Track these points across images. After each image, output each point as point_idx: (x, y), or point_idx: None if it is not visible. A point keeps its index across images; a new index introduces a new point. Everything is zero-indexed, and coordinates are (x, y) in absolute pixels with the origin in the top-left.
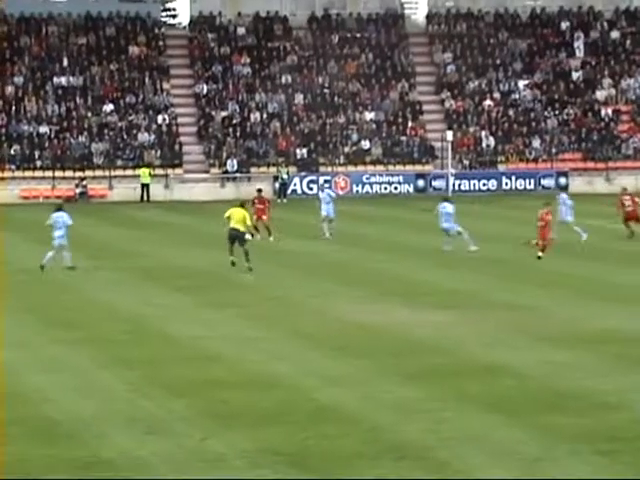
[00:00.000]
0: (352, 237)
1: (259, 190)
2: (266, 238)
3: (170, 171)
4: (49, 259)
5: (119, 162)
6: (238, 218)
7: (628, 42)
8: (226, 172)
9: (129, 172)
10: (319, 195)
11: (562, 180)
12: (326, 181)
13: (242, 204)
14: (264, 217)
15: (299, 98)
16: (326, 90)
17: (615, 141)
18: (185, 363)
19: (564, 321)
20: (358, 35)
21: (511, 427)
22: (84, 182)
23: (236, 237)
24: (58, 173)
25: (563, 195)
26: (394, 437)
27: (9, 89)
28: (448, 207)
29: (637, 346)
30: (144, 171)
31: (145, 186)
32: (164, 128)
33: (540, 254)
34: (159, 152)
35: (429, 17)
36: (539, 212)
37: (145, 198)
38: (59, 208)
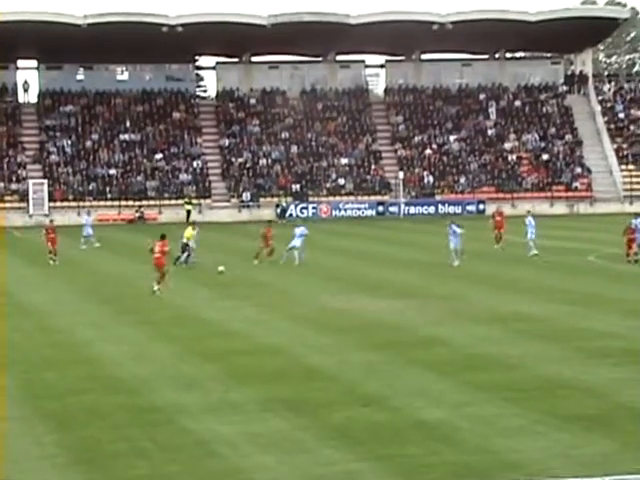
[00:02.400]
0: (333, 248)
1: (269, 221)
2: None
3: (202, 201)
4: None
5: (166, 195)
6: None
7: (527, 109)
8: (242, 201)
9: (173, 202)
10: (295, 231)
11: (481, 206)
12: (313, 207)
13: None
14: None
15: (294, 148)
16: (313, 143)
17: (518, 178)
18: (213, 338)
19: (480, 306)
20: (335, 103)
21: (444, 382)
22: (141, 209)
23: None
24: (123, 203)
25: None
26: (362, 390)
27: (88, 143)
28: (457, 229)
29: (535, 323)
30: (186, 201)
31: (188, 212)
32: (198, 170)
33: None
34: (194, 187)
35: (386, 90)
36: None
37: (188, 220)
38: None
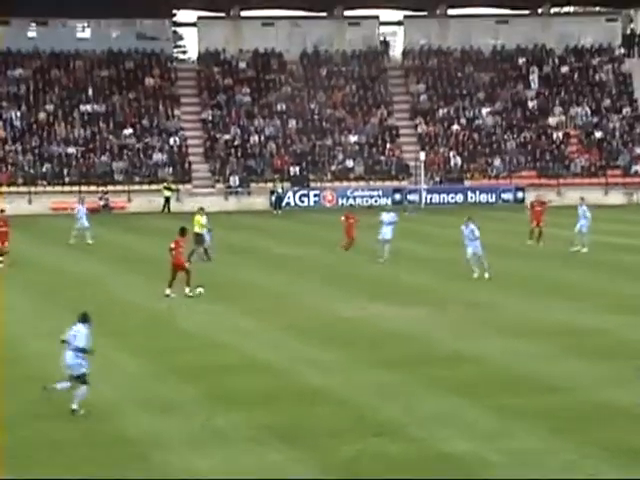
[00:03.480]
0: (338, 243)
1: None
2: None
3: (181, 186)
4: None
5: (136, 178)
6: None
7: (576, 76)
8: (229, 187)
9: (145, 187)
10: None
11: (519, 194)
12: (315, 195)
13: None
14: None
15: (292, 123)
16: (316, 116)
17: (565, 161)
18: (194, 351)
19: (517, 315)
20: (343, 69)
21: (473, 407)
22: (106, 195)
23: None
24: (84, 188)
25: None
26: (374, 416)
27: (41, 115)
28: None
29: (584, 336)
30: (165, 186)
31: (167, 199)
32: (175, 149)
33: None
34: (171, 170)
35: (405, 53)
36: None
37: (166, 210)
38: None
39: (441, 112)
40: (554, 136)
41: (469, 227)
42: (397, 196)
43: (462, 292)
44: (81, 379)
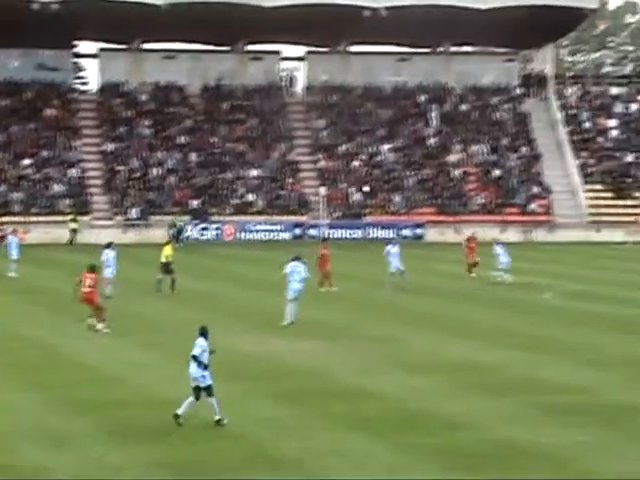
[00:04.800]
0: (238, 277)
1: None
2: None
3: (80, 218)
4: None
5: (35, 210)
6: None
7: (475, 114)
8: (128, 219)
9: (42, 218)
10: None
11: (419, 231)
12: (216, 228)
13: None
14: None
15: (193, 156)
16: (217, 150)
17: (463, 198)
18: (89, 384)
19: (418, 351)
20: (245, 103)
21: (372, 443)
22: (3, 227)
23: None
24: None
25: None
26: (271, 451)
27: None
28: (393, 249)
29: (484, 373)
30: (72, 218)
31: (74, 230)
32: (75, 180)
33: None
34: (70, 201)
35: (307, 88)
36: None
37: (73, 242)
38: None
39: (342, 148)
40: (453, 173)
41: (396, 246)
42: (297, 231)
43: (364, 327)
44: (209, 391)
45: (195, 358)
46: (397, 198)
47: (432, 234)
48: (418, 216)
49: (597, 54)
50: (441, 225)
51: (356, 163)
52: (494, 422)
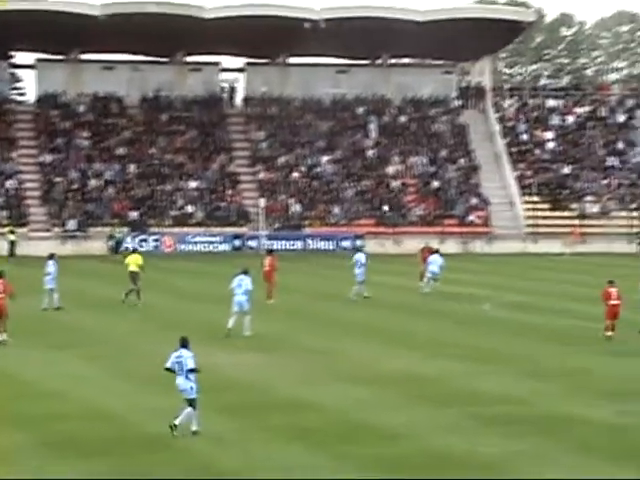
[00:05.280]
0: (177, 290)
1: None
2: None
3: (17, 230)
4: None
5: None
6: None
7: (414, 126)
8: (66, 231)
9: None
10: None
11: (358, 242)
12: (155, 240)
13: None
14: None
15: (132, 167)
16: (156, 161)
17: (402, 209)
18: (26, 399)
19: (358, 362)
20: (184, 114)
21: (313, 455)
22: None
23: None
24: None
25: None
26: (213, 465)
27: None
28: (362, 257)
29: (424, 384)
30: (10, 230)
31: (12, 242)
32: (12, 192)
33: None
34: (7, 213)
35: (246, 100)
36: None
37: (12, 254)
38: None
39: (281, 159)
40: (392, 185)
41: (359, 254)
42: (237, 242)
43: (304, 339)
44: (193, 402)
45: (193, 371)
46: (336, 209)
47: (371, 245)
48: (357, 227)
49: (534, 66)
50: (380, 236)
51: (295, 174)
52: (434, 433)
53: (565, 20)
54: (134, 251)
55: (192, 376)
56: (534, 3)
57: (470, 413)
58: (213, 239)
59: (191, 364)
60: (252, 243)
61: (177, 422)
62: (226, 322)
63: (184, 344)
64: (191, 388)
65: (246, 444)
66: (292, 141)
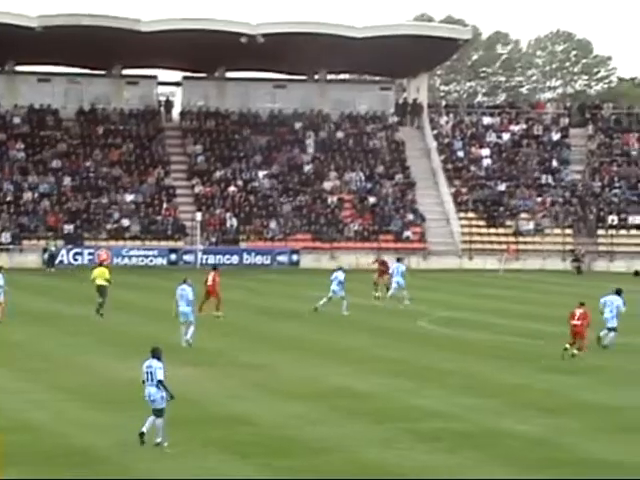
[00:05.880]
0: (112, 303)
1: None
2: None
3: None
4: None
5: None
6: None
7: (351, 142)
8: (0, 244)
9: None
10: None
11: (294, 257)
12: (90, 253)
13: None
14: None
15: (67, 180)
16: (91, 174)
17: (339, 225)
18: None
19: (296, 377)
20: (120, 127)
21: (245, 469)
22: None
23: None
24: None
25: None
26: (144, 477)
27: None
28: (340, 275)
29: (357, 399)
30: None
31: None
32: None
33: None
34: None
35: (183, 113)
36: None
37: None
38: None
39: (218, 173)
40: (329, 200)
41: (338, 271)
42: (173, 256)
43: (239, 354)
44: (160, 412)
45: (161, 382)
46: (273, 224)
47: (307, 260)
48: (294, 242)
49: (470, 84)
50: (317, 251)
51: (232, 189)
52: (367, 447)
53: (500, 38)
54: (100, 264)
55: (161, 386)
56: (470, 21)
57: (403, 428)
58: (149, 253)
59: (160, 375)
60: (188, 257)
61: (144, 430)
62: (168, 336)
63: (155, 354)
64: (162, 398)
65: (180, 458)
66: (229, 155)
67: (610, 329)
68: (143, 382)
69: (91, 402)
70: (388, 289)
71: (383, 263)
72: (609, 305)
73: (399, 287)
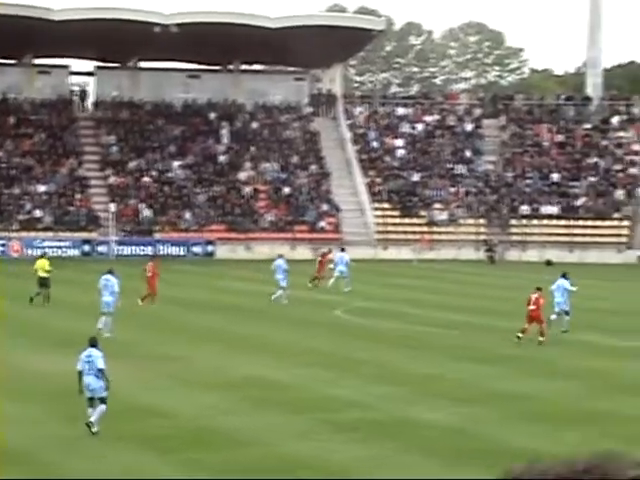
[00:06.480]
0: (24, 295)
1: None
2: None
3: None
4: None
5: None
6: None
7: (265, 132)
8: None
9: None
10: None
11: (209, 248)
12: (1, 244)
13: None
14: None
15: None
16: (3, 164)
17: (254, 215)
18: None
19: (212, 368)
20: (32, 117)
21: (161, 461)
22: None
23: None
24: None
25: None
26: (61, 473)
27: None
28: (282, 263)
29: (274, 390)
30: None
31: None
32: None
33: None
34: None
35: (96, 103)
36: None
37: None
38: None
39: (132, 164)
40: (244, 191)
41: (278, 261)
42: (86, 247)
43: (153, 345)
44: (104, 400)
45: (101, 371)
46: (187, 215)
47: (223, 251)
48: (209, 233)
49: (384, 75)
50: (232, 242)
51: (146, 179)
52: (285, 439)
53: (413, 29)
54: (42, 256)
55: (101, 375)
56: (383, 12)
57: (320, 419)
58: (62, 244)
59: (101, 364)
60: (102, 248)
61: (93, 419)
62: (81, 326)
63: (93, 344)
64: (101, 387)
65: (95, 451)
66: (143, 146)
67: (565, 312)
68: (80, 372)
69: (11, 395)
70: (315, 280)
71: (323, 256)
72: (559, 289)
73: (342, 275)
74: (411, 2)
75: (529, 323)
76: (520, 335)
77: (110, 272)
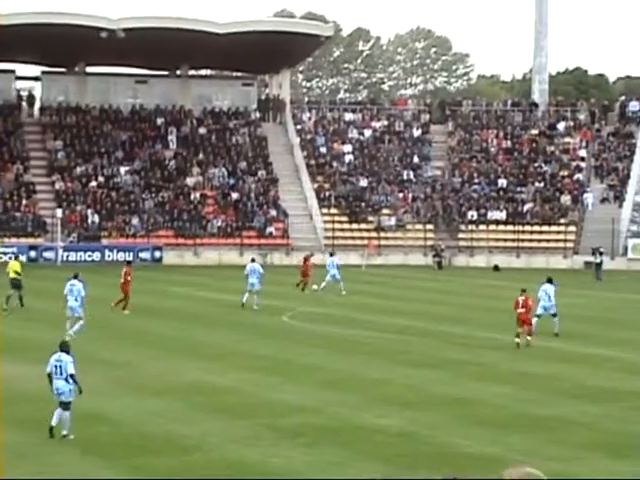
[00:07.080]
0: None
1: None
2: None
3: None
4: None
5: None
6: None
7: (213, 137)
8: None
9: None
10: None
11: (157, 254)
12: None
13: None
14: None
15: None
16: None
17: (202, 221)
18: None
19: (156, 374)
20: None
21: (107, 468)
22: None
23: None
24: None
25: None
26: (8, 478)
27: None
28: (258, 267)
29: (218, 395)
30: None
31: None
32: None
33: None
34: None
35: (42, 109)
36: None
37: None
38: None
39: (79, 169)
40: (192, 196)
41: (253, 265)
42: (32, 253)
43: (98, 350)
44: (67, 406)
45: (72, 376)
46: (135, 220)
47: (170, 257)
48: (156, 239)
49: (332, 80)
50: (180, 248)
51: (93, 185)
52: (228, 444)
53: (361, 35)
54: (16, 258)
55: (71, 380)
56: (331, 17)
57: (265, 424)
58: (7, 250)
59: (71, 369)
60: (48, 254)
61: (53, 424)
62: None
63: (63, 348)
64: (70, 391)
65: (41, 457)
66: (90, 151)
67: (553, 315)
68: (49, 375)
69: None
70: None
71: (306, 260)
72: (546, 293)
73: (334, 280)
74: (360, 8)
75: (521, 326)
76: (518, 341)
77: (76, 277)
